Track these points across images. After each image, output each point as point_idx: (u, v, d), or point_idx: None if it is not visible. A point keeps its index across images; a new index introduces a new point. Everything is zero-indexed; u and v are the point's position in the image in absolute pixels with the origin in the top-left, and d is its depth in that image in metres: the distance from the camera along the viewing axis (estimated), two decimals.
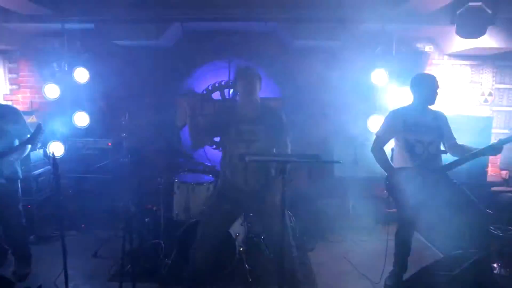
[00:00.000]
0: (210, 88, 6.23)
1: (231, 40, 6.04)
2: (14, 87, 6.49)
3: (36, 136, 4.17)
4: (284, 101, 6.08)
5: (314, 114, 6.17)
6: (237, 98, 3.41)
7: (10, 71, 6.47)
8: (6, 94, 6.48)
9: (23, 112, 5.22)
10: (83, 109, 6.11)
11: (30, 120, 6.28)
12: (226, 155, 3.40)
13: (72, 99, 6.16)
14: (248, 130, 3.29)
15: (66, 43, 5.92)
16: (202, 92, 6.23)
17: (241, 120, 3.32)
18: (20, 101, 6.47)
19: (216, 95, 6.28)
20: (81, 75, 5.93)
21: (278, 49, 6.08)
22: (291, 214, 5.05)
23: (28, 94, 6.47)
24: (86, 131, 6.16)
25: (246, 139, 3.27)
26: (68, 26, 5.65)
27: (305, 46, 5.86)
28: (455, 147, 3.96)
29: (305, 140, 5.94)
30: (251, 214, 4.13)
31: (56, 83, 5.89)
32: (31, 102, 6.46)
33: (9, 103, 6.33)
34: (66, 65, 5.89)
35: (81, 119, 6.07)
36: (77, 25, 5.63)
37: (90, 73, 5.94)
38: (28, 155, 5.43)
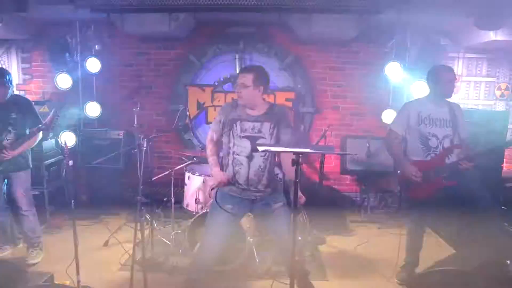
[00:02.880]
0: (221, 79, 6.19)
1: (244, 31, 6.01)
2: (27, 77, 6.50)
3: (51, 122, 4.15)
4: (297, 93, 6.03)
5: (327, 107, 6.12)
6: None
7: (23, 61, 6.48)
8: (19, 84, 6.49)
9: (35, 102, 5.26)
10: (95, 100, 6.13)
11: (42, 110, 6.28)
12: (230, 152, 3.28)
13: (84, 89, 6.18)
14: (252, 127, 3.22)
15: (78, 33, 5.94)
16: (214, 83, 6.20)
17: (245, 116, 3.25)
18: (33, 91, 6.48)
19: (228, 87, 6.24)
20: (93, 65, 5.95)
21: (291, 40, 6.02)
22: (303, 208, 5.01)
23: (41, 84, 6.49)
24: (98, 122, 6.18)
25: (250, 136, 3.20)
26: (80, 16, 5.64)
27: (319, 38, 5.79)
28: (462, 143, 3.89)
29: (317, 133, 5.90)
30: (251, 215, 3.89)
31: (68, 73, 5.91)
32: (43, 92, 6.47)
33: (22, 93, 6.37)
34: (78, 55, 5.91)
35: (93, 110, 6.09)
36: (89, 14, 5.61)
37: (102, 63, 5.95)
38: (41, 144, 5.45)
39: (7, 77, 4.16)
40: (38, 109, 5.52)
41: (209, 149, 3.38)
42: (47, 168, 5.69)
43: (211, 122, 6.07)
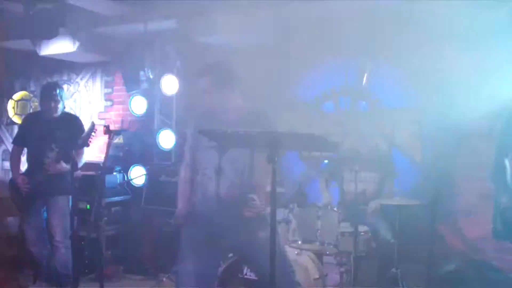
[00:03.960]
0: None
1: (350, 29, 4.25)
2: (108, 103, 5.79)
3: (88, 136, 3.75)
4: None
5: None
6: None
7: (106, 85, 5.84)
8: (101, 112, 5.81)
9: (115, 131, 4.46)
10: (172, 127, 5.07)
11: (117, 141, 5.41)
12: (200, 167, 2.75)
13: (163, 115, 5.18)
14: None
15: (157, 47, 5.03)
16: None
17: (217, 124, 2.66)
18: (113, 120, 5.67)
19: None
20: (170, 85, 4.94)
21: None
22: None
23: (121, 112, 5.66)
24: (172, 154, 5.05)
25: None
26: (151, 26, 4.73)
27: None
28: None
29: None
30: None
31: (143, 95, 5.01)
32: (122, 121, 5.62)
33: (102, 122, 5.60)
34: (150, 72, 4.98)
35: (166, 140, 5.00)
36: (159, 24, 4.67)
37: (179, 82, 4.92)
38: (103, 178, 4.54)
39: (57, 91, 4.02)
40: (114, 140, 4.69)
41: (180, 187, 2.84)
42: (107, 207, 4.73)
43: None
